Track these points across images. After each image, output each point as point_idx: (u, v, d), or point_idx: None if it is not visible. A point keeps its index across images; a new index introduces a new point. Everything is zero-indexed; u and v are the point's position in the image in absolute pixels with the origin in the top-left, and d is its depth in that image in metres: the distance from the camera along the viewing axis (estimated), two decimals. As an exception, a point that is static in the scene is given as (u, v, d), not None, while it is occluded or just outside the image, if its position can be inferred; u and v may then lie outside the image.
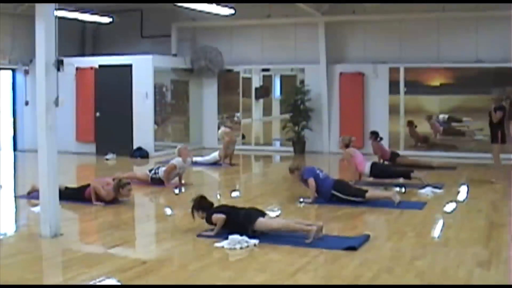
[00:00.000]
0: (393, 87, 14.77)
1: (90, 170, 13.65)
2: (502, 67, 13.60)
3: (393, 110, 14.80)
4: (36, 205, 7.63)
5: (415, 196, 9.19)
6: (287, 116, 15.67)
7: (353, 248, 6.05)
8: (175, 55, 16.23)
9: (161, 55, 15.47)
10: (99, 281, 5.16)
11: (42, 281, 5.36)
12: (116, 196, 8.58)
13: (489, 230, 7.08)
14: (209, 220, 6.71)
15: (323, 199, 8.62)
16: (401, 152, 13.26)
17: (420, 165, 11.84)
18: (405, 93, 14.81)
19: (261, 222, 6.50)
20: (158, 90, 15.23)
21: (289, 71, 17.31)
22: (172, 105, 16.26)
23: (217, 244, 6.25)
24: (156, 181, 10.17)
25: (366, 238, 6.48)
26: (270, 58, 15.96)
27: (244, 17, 15.14)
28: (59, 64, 6.66)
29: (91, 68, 15.20)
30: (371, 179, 10.19)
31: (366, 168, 10.18)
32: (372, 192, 8.63)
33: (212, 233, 6.57)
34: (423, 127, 14.98)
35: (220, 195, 9.89)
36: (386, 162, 12.04)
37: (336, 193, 8.55)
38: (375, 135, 12.27)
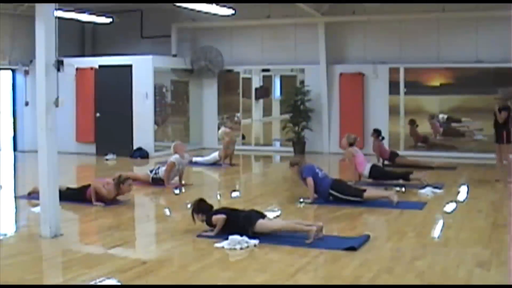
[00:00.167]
0: (393, 87, 14.75)
1: (90, 171, 13.64)
2: (502, 67, 13.59)
3: (393, 110, 14.77)
4: (36, 205, 7.63)
5: (415, 196, 9.19)
6: (287, 116, 15.66)
7: (353, 249, 6.05)
8: (175, 55, 16.23)
9: (161, 55, 15.47)
10: (99, 282, 5.16)
11: (42, 282, 5.36)
12: (118, 193, 8.59)
13: (489, 230, 7.07)
14: (209, 222, 6.72)
15: (321, 199, 8.62)
16: (401, 152, 13.27)
17: (420, 165, 11.85)
18: (405, 93, 14.79)
19: (261, 224, 6.51)
20: (158, 91, 15.24)
21: (289, 72, 17.33)
22: (172, 105, 16.27)
23: (217, 245, 6.25)
24: (157, 181, 10.18)
25: (366, 238, 6.48)
26: (270, 58, 15.95)
27: (244, 17, 15.14)
28: (59, 65, 6.66)
29: (91, 68, 15.19)
30: (370, 180, 10.18)
31: (366, 169, 10.16)
32: (370, 192, 8.63)
33: (212, 234, 6.58)
34: (423, 127, 14.98)
35: (220, 195, 9.89)
36: (385, 162, 12.05)
37: (334, 193, 8.55)
38: (377, 133, 12.24)
